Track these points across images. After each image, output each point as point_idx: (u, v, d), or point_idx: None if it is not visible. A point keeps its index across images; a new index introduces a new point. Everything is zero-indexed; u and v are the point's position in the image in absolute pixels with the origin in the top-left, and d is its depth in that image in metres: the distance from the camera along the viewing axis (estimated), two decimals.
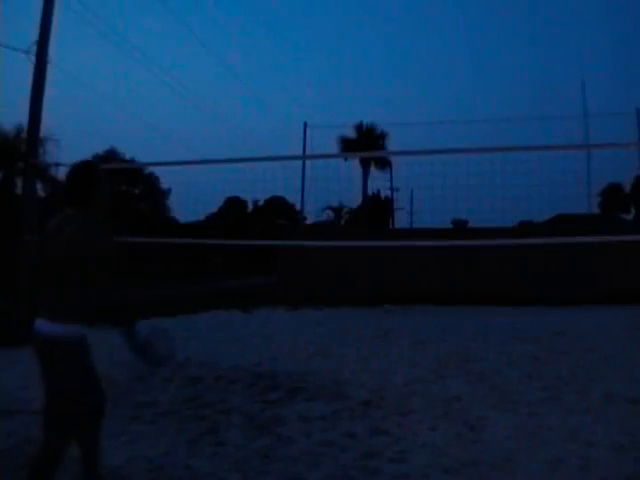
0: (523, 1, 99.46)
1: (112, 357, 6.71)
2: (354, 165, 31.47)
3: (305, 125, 26.98)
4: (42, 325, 2.47)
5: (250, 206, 50.54)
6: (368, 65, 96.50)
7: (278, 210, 46.45)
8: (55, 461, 2.44)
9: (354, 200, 37.79)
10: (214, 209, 43.17)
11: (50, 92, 9.64)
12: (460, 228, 17.44)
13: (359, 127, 35.18)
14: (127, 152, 36.34)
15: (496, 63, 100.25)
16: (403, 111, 73.92)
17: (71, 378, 2.48)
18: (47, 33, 9.44)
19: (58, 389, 2.47)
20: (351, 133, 34.72)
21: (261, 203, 49.36)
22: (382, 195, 42.21)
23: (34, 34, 9.37)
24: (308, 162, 22.51)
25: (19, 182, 22.00)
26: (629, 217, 38.07)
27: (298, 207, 30.62)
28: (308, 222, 33.97)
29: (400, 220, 39.49)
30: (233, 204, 44.95)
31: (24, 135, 13.89)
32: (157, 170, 34.24)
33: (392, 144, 34.34)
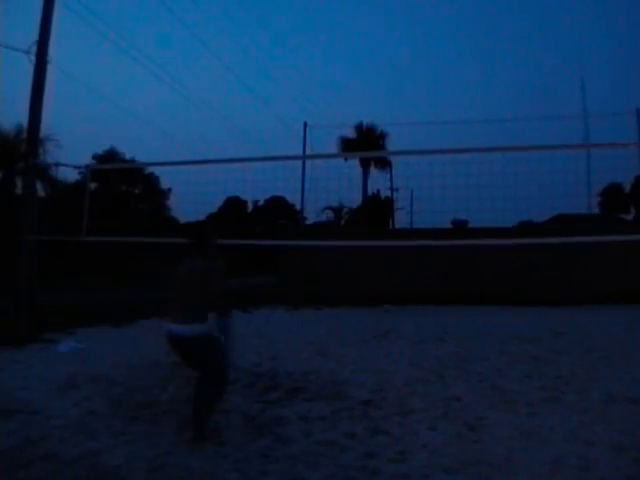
0: (523, 1, 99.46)
1: (112, 358, 6.72)
2: (354, 165, 31.48)
3: (305, 125, 26.97)
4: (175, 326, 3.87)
5: (250, 206, 50.55)
6: (368, 65, 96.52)
7: (278, 210, 46.45)
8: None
9: (354, 200, 37.79)
10: (214, 209, 43.18)
11: (50, 92, 9.65)
12: (460, 228, 17.43)
13: (359, 127, 35.16)
14: (127, 152, 36.33)
15: (496, 63, 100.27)
16: (403, 111, 73.96)
17: (203, 359, 3.82)
18: (47, 33, 9.45)
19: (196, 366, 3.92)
20: (351, 133, 34.71)
21: (261, 203, 49.38)
22: (382, 195, 42.22)
23: (34, 34, 9.39)
24: (308, 162, 22.47)
25: (19, 182, 21.98)
26: (629, 217, 38.07)
27: (298, 207, 30.62)
28: (308, 222, 33.97)
29: (400, 220, 39.46)
30: (233, 204, 44.94)
31: (24, 135, 13.89)
32: (157, 170, 34.29)
33: (392, 144, 34.34)
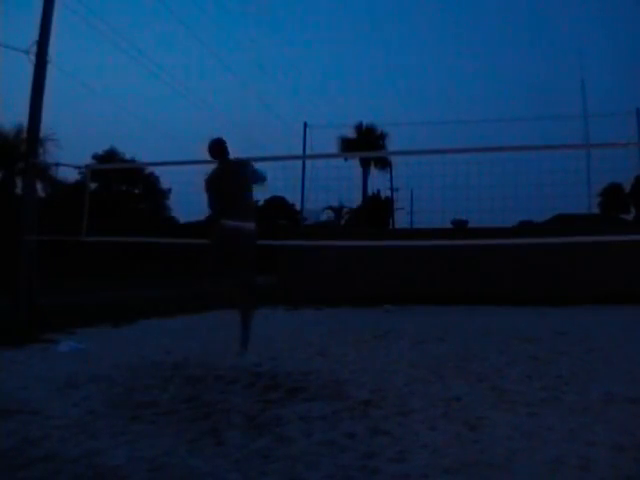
0: (523, 1, 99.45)
1: (112, 358, 6.72)
2: (354, 165, 31.49)
3: (305, 125, 26.97)
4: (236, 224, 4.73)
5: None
6: (368, 65, 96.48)
7: (278, 210, 46.45)
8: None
9: (354, 200, 37.79)
10: None
11: (50, 92, 9.65)
12: (460, 228, 17.43)
13: (359, 127, 35.21)
14: (127, 152, 36.33)
15: (496, 63, 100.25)
16: (403, 111, 73.88)
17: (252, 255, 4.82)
18: (47, 33, 9.45)
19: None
20: (351, 133, 34.74)
21: (261, 203, 49.39)
22: (382, 195, 42.22)
23: (34, 34, 9.39)
24: (308, 162, 22.48)
25: (19, 182, 21.99)
26: (629, 217, 38.06)
27: (298, 207, 30.60)
28: (308, 222, 33.93)
29: (400, 220, 39.44)
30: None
31: (24, 135, 13.89)
32: (157, 170, 34.27)
33: (392, 144, 34.35)
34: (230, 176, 5.05)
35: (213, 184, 5.15)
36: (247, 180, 5.06)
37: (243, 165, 5.19)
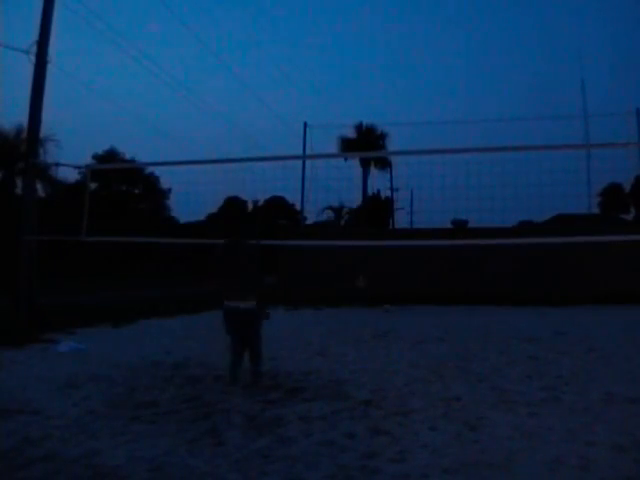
0: (523, 1, 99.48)
1: (112, 358, 6.72)
2: (354, 165, 31.48)
3: (305, 125, 26.96)
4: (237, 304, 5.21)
5: (250, 206, 50.53)
6: (368, 65, 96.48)
7: (278, 210, 46.41)
8: (241, 357, 5.32)
9: (354, 200, 37.77)
10: (214, 209, 43.16)
11: (50, 92, 9.65)
12: (460, 228, 17.42)
13: (359, 127, 35.15)
14: (127, 152, 36.30)
15: (496, 63, 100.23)
16: (403, 111, 73.85)
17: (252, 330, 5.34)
18: (47, 33, 9.46)
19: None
20: (351, 133, 34.70)
21: (261, 203, 49.37)
22: (382, 195, 42.20)
23: (34, 34, 9.39)
24: (308, 162, 22.48)
25: (19, 182, 21.99)
26: (629, 217, 38.05)
27: (298, 207, 30.60)
28: (308, 222, 33.95)
29: (400, 220, 39.43)
30: (233, 204, 44.94)
31: (24, 135, 13.89)
32: (157, 170, 34.26)
33: (392, 144, 34.32)
34: (232, 256, 5.41)
35: (217, 263, 5.78)
36: (249, 259, 5.38)
37: (248, 246, 5.54)
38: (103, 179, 34.79)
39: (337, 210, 43.57)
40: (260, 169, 7.13)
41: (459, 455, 3.45)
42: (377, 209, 39.24)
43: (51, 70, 9.54)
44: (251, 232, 5.89)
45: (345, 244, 13.31)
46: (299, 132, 26.71)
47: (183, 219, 35.10)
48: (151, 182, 39.13)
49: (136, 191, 40.42)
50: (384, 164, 34.82)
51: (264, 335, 5.56)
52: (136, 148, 39.67)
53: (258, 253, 5.61)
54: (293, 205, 41.60)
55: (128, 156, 35.21)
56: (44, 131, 12.43)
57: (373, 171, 35.46)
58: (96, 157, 34.73)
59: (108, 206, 30.67)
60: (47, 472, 3.15)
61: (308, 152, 25.28)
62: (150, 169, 37.65)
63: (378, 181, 38.94)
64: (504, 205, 6.78)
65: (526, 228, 16.49)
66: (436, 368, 6.18)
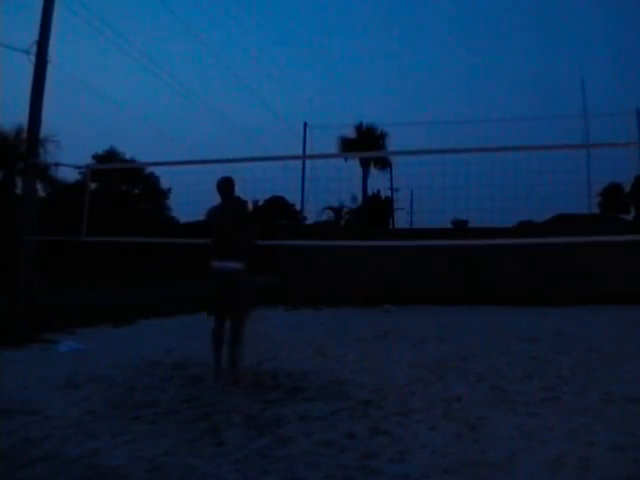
0: (523, 1, 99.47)
1: (112, 358, 6.72)
2: (354, 165, 31.50)
3: (305, 125, 26.99)
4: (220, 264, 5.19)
5: (250, 206, 50.53)
6: (368, 65, 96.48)
7: (278, 210, 46.43)
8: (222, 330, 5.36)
9: (354, 200, 37.80)
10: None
11: (50, 92, 9.65)
12: (460, 228, 17.42)
13: (359, 127, 35.20)
14: (127, 152, 36.32)
15: (496, 63, 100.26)
16: (403, 111, 73.89)
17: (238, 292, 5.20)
18: (47, 33, 9.46)
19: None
20: (351, 133, 34.74)
21: (261, 203, 49.39)
22: (382, 195, 42.20)
23: (34, 34, 9.40)
24: (308, 162, 22.52)
25: (19, 182, 21.98)
26: (629, 217, 38.06)
27: (298, 207, 30.62)
28: (308, 222, 33.96)
29: (400, 220, 39.47)
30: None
31: (24, 135, 13.89)
32: (157, 170, 34.30)
33: (392, 144, 34.36)
34: (222, 217, 5.39)
35: (208, 222, 5.63)
36: (238, 222, 5.35)
37: (238, 210, 5.56)
38: (103, 179, 34.79)
39: (337, 210, 43.60)
40: (260, 169, 7.12)
41: (459, 455, 3.45)
42: (377, 209, 39.24)
43: (51, 70, 9.56)
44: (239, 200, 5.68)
45: (345, 244, 13.30)
46: (299, 132, 26.74)
47: (183, 219, 35.11)
48: (151, 182, 39.14)
49: (136, 191, 40.41)
50: (384, 164, 34.85)
51: (264, 335, 5.57)
52: (136, 148, 39.72)
53: (247, 216, 5.70)
54: (293, 205, 41.64)
55: (128, 156, 35.23)
56: (44, 131, 12.43)
57: (373, 171, 35.51)
58: (96, 157, 34.75)
59: (108, 206, 30.66)
60: (47, 472, 3.15)
61: (308, 152, 25.33)
62: (150, 169, 37.69)
63: (378, 181, 39.00)
64: (504, 205, 6.77)
65: (526, 228, 16.47)
66: (436, 368, 6.18)
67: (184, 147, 57.34)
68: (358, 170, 33.08)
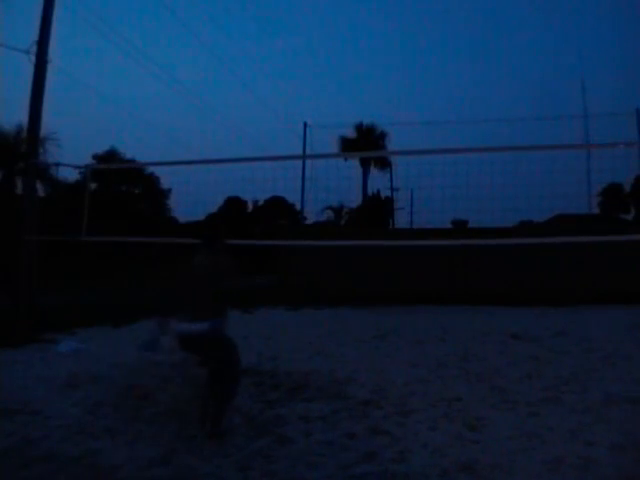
0: (523, 1, 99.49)
1: (112, 358, 6.72)
2: (354, 165, 31.49)
3: (305, 125, 26.98)
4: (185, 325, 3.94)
5: (250, 206, 50.51)
6: (368, 65, 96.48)
7: (278, 210, 46.41)
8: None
9: (354, 200, 37.80)
10: (214, 209, 43.11)
11: (50, 92, 9.65)
12: (460, 228, 17.43)
13: (359, 127, 35.18)
14: (127, 152, 36.31)
15: (496, 63, 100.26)
16: (403, 111, 73.91)
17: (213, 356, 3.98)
18: (47, 33, 9.45)
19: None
20: (351, 133, 34.73)
21: (261, 203, 49.36)
22: (382, 195, 42.18)
23: (34, 34, 9.39)
24: (308, 162, 22.50)
25: (19, 182, 21.98)
26: (629, 217, 38.05)
27: (298, 207, 30.61)
28: (308, 222, 33.95)
29: (400, 220, 39.50)
30: (233, 204, 44.90)
31: (24, 135, 13.89)
32: (157, 170, 34.27)
33: (392, 144, 34.36)
34: (195, 271, 4.13)
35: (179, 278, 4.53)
36: (208, 272, 4.02)
37: (213, 262, 4.09)
38: (103, 179, 34.78)
39: (337, 210, 43.59)
40: (260, 169, 7.12)
41: (459, 455, 3.45)
42: (377, 209, 39.24)
43: (51, 70, 9.55)
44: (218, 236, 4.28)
45: (345, 244, 13.29)
46: (299, 132, 26.74)
47: (183, 219, 35.10)
48: (151, 182, 39.13)
49: (136, 191, 40.40)
50: (384, 164, 34.84)
51: (264, 335, 5.49)
52: (136, 148, 39.71)
53: (225, 264, 4.10)
54: (293, 205, 41.62)
55: (128, 156, 35.21)
56: (44, 131, 12.44)
57: (373, 171, 35.49)
58: (96, 157, 34.72)
59: (108, 206, 30.66)
60: (47, 472, 3.15)
61: (308, 152, 25.30)
62: (150, 169, 37.66)
63: (378, 181, 38.97)
64: (504, 205, 6.77)
65: (526, 228, 16.47)
66: (436, 368, 6.18)
67: (184, 147, 57.39)
68: (358, 170, 33.11)
